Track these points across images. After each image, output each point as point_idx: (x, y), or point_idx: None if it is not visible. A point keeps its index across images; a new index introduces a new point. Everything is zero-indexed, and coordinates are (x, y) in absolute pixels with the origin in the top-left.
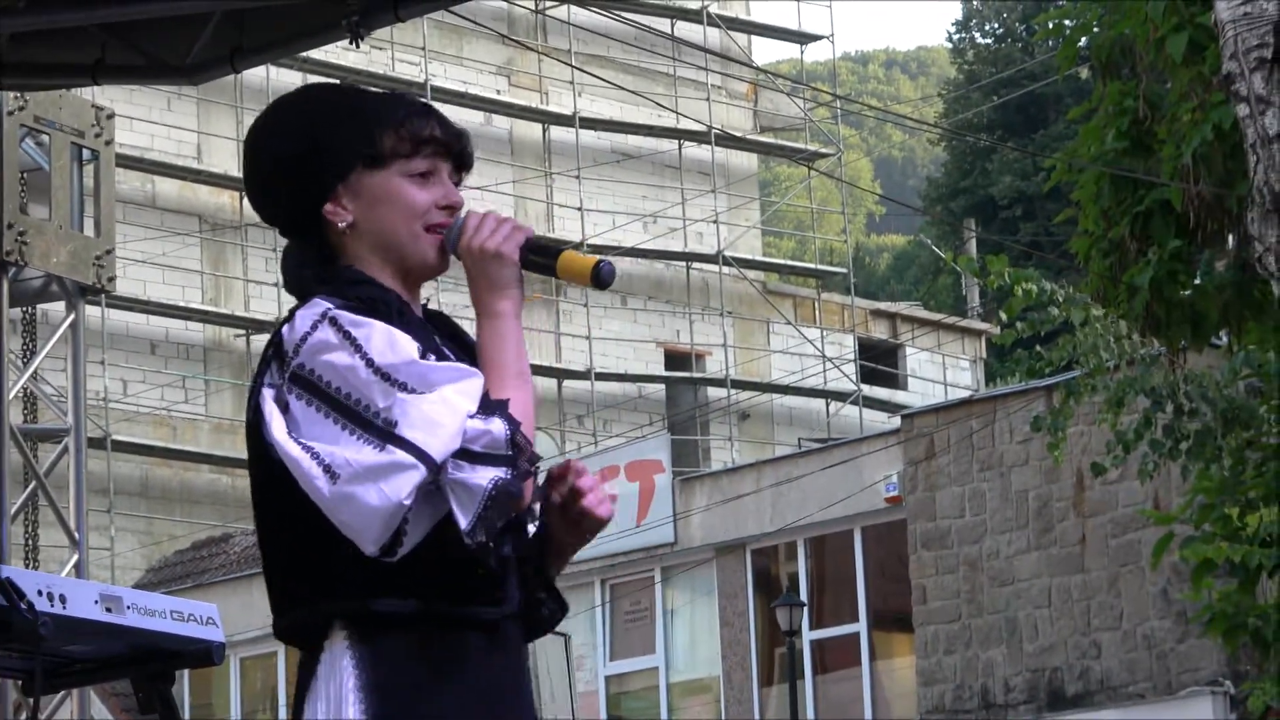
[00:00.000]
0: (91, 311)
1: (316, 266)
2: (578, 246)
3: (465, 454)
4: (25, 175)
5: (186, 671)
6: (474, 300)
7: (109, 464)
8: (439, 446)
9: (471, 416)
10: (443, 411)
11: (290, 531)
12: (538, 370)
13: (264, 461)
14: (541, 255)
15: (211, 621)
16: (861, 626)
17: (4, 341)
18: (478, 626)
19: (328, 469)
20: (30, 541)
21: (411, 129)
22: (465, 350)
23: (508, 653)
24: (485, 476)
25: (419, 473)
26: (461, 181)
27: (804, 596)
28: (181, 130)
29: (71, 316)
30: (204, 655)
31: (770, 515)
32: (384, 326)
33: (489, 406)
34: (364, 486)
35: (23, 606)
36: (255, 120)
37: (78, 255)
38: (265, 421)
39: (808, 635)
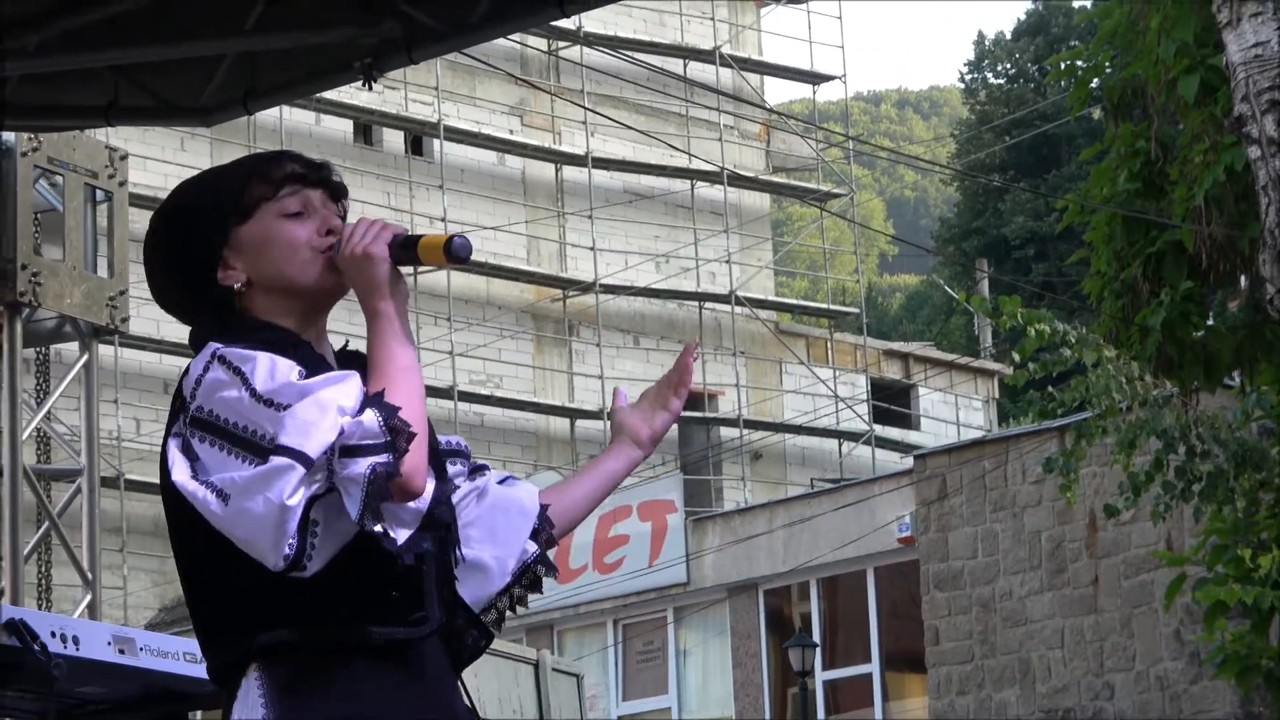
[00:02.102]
0: (105, 350)
1: (219, 322)
2: (589, 287)
3: (346, 451)
4: (39, 216)
5: (199, 714)
6: (361, 308)
7: (122, 503)
8: (314, 443)
9: (350, 415)
10: (314, 411)
11: (204, 573)
12: (552, 410)
13: (175, 510)
14: (406, 248)
15: None
16: (874, 667)
17: (18, 382)
18: (391, 653)
19: (220, 493)
20: (44, 581)
21: (268, 172)
22: None
23: (425, 681)
24: (364, 465)
25: (297, 471)
26: (345, 212)
27: (817, 637)
28: (195, 170)
29: (85, 357)
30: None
31: (783, 555)
32: (267, 356)
33: (365, 403)
34: (251, 499)
35: (36, 649)
36: (146, 240)
37: (91, 296)
38: (169, 468)
39: (820, 676)
